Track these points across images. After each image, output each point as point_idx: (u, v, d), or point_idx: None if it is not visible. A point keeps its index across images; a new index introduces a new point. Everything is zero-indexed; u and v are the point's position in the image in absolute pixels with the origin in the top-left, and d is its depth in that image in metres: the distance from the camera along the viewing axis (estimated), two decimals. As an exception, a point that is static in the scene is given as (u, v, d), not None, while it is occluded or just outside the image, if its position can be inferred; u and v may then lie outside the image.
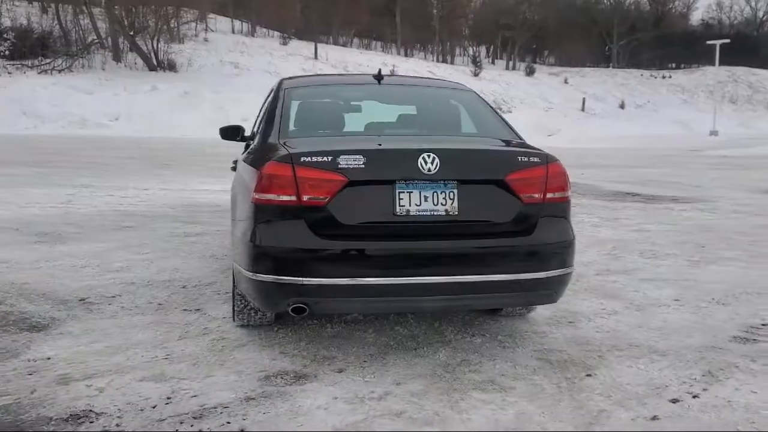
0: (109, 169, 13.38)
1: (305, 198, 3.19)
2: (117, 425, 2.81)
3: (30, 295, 4.64)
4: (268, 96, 5.05)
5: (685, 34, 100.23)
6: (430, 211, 3.25)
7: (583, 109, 50.28)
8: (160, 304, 4.50)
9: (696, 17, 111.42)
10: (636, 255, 6.31)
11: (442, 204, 3.25)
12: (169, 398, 3.07)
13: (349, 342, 3.81)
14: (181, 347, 3.71)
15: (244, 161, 3.84)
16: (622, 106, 58.45)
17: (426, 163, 3.22)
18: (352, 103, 4.37)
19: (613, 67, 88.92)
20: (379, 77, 4.36)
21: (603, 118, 51.28)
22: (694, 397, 3.15)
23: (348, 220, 3.21)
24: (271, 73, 41.91)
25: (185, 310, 4.40)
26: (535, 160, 3.40)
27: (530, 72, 69.74)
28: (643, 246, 6.75)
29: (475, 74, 62.18)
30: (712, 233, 7.58)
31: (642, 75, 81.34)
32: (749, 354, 3.70)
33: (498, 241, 3.29)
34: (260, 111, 5.53)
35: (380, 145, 3.36)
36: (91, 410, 2.93)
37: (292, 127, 3.81)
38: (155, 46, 36.61)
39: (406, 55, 71.97)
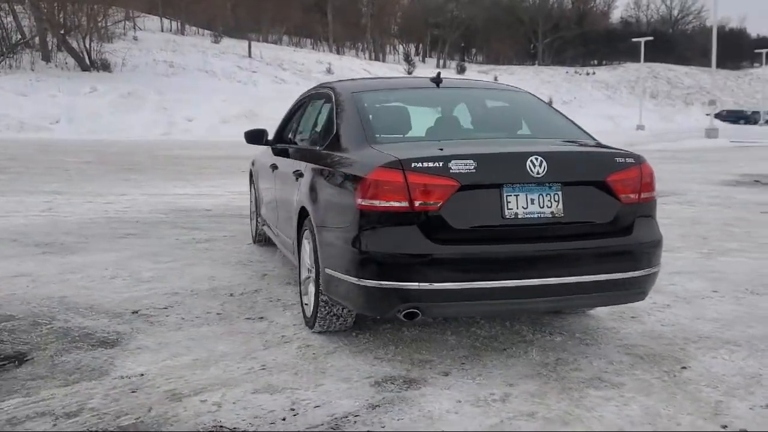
0: (72, 175, 12.92)
1: (417, 203, 3.19)
2: (260, 440, 2.76)
3: (77, 309, 4.48)
4: (309, 101, 5.02)
5: (607, 31, 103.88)
6: (537, 213, 3.30)
7: None
8: (218, 314, 4.41)
9: (616, 15, 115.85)
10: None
11: (547, 206, 3.31)
12: (293, 410, 3.03)
13: (434, 345, 3.83)
14: (272, 357, 3.65)
15: (326, 167, 3.79)
16: (549, 103, 59.74)
17: (534, 166, 3.27)
18: (421, 107, 4.38)
19: (539, 65, 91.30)
20: (437, 80, 4.39)
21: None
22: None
23: (459, 224, 3.23)
24: (208, 72, 41.23)
25: (248, 318, 4.33)
26: (631, 160, 3.50)
27: (461, 70, 70.85)
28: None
29: (409, 72, 62.63)
30: (703, 226, 7.91)
31: (567, 72, 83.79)
32: (814, 341, 3.91)
33: (601, 242, 3.37)
34: (291, 115, 5.50)
35: (486, 149, 3.40)
36: (221, 426, 2.87)
37: (377, 132, 3.78)
38: (88, 45, 35.44)
39: (338, 52, 71.94)
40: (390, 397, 3.16)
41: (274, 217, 5.29)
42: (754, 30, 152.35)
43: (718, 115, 66.80)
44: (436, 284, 3.18)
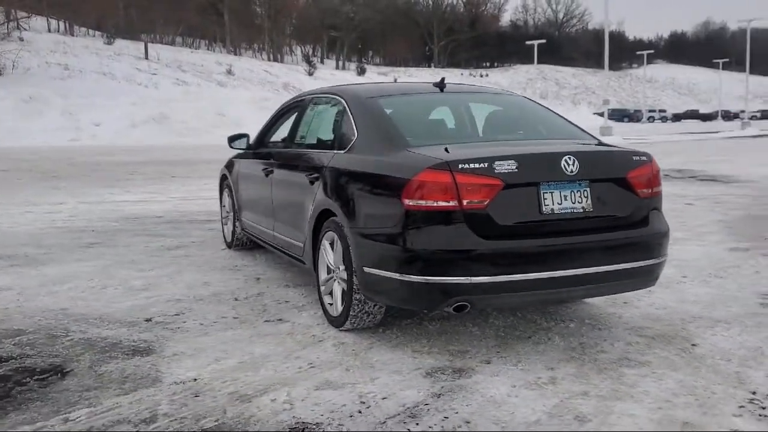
0: (-7, 184, 12.29)
1: (466, 202, 3.39)
2: (348, 432, 2.88)
3: (87, 320, 4.41)
4: (306, 107, 5.11)
5: (498, 34, 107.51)
6: (570, 208, 3.57)
7: None
8: (235, 318, 4.45)
9: (506, 19, 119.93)
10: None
11: (578, 202, 3.59)
12: (363, 402, 3.16)
13: (462, 336, 4.04)
14: (314, 355, 3.76)
15: (358, 170, 3.92)
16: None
17: (568, 165, 3.54)
18: (435, 111, 4.57)
19: (435, 67, 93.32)
20: (441, 86, 4.60)
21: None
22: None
23: (504, 221, 3.46)
24: (106, 74, 39.75)
25: (267, 321, 4.39)
26: (645, 158, 3.83)
27: (361, 71, 71.43)
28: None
29: (310, 73, 62.61)
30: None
31: (462, 74, 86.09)
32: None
33: (625, 233, 3.69)
34: (275, 121, 5.58)
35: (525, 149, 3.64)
36: (304, 422, 2.97)
37: (407, 136, 3.95)
38: (-25, 47, 33.46)
39: (236, 54, 70.87)
40: (448, 385, 3.34)
41: (268, 221, 5.34)
42: (632, 33, 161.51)
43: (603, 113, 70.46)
44: (485, 278, 3.39)
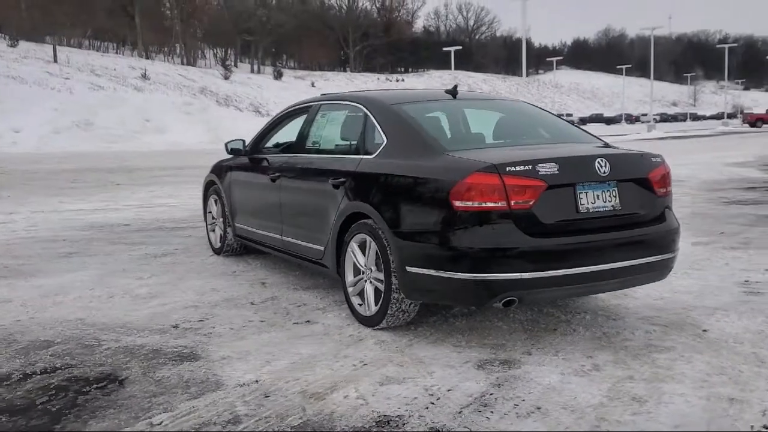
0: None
1: (513, 203, 3.61)
2: (432, 422, 3.03)
3: (113, 329, 4.39)
4: (316, 113, 5.20)
5: (412, 40, 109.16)
6: (602, 207, 3.85)
7: None
8: (262, 321, 4.52)
9: (419, 25, 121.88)
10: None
11: (609, 201, 3.87)
12: (432, 395, 3.31)
13: (493, 331, 4.25)
14: (362, 353, 3.88)
15: (396, 175, 4.07)
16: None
17: (601, 167, 3.82)
18: (456, 117, 4.77)
19: (351, 71, 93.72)
20: (454, 93, 4.81)
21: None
22: (790, 335, 4.12)
23: (547, 219, 3.69)
24: (15, 78, 37.94)
25: (297, 323, 4.48)
26: (659, 160, 4.16)
27: (278, 75, 70.91)
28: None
29: (226, 77, 61.65)
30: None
31: (378, 78, 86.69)
32: (775, 302, 4.83)
33: (647, 229, 3.99)
34: (272, 129, 5.67)
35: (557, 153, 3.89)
36: (385, 415, 3.11)
37: (441, 141, 4.14)
38: None
39: (147, 57, 69.07)
40: (502, 376, 3.54)
41: (274, 226, 5.40)
42: (537, 40, 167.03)
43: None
44: (532, 273, 3.62)
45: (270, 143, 5.90)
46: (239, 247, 6.46)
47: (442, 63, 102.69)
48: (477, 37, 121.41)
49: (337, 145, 4.93)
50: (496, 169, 3.62)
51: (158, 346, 4.06)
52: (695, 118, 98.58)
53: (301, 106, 5.57)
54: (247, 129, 36.61)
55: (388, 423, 3.03)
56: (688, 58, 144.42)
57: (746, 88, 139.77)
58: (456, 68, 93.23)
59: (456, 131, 4.55)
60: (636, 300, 4.89)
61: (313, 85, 66.83)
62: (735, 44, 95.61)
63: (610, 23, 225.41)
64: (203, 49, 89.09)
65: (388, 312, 4.12)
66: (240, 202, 6.10)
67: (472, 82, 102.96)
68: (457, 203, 3.64)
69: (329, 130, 5.12)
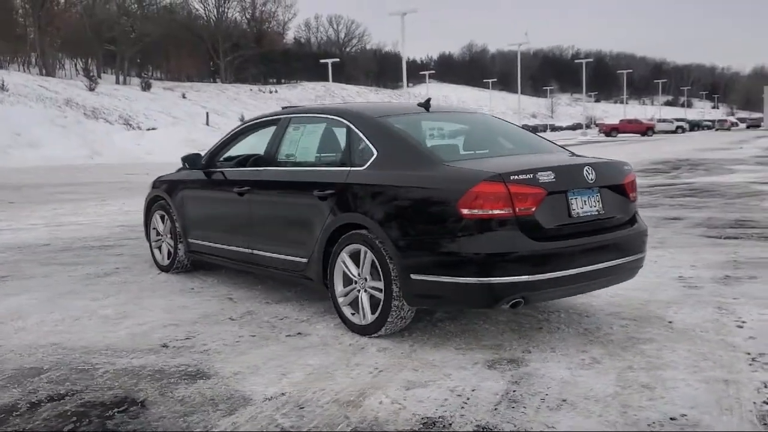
0: None
1: (518, 209, 3.84)
2: (476, 420, 3.18)
3: (98, 351, 4.24)
4: (286, 126, 5.23)
5: (283, 51, 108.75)
6: (589, 211, 4.15)
7: (207, 124, 50.09)
8: (253, 336, 4.50)
9: (291, 36, 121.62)
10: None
11: (594, 206, 4.18)
12: (459, 395, 3.45)
13: (483, 333, 4.43)
14: (372, 361, 3.97)
15: (395, 185, 4.18)
16: (242, 119, 60.62)
17: (589, 174, 4.13)
18: (434, 128, 4.93)
19: (222, 83, 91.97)
20: (426, 106, 4.99)
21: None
22: (742, 323, 4.59)
23: (547, 224, 3.95)
24: None
25: (289, 336, 4.49)
26: (629, 167, 4.52)
27: (146, 86, 68.36)
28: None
29: (91, 89, 58.84)
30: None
31: (251, 90, 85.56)
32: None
33: (627, 231, 4.35)
34: (230, 142, 5.66)
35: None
36: (427, 416, 3.22)
37: (436, 152, 4.30)
38: None
39: (1, 67, 64.73)
40: (516, 374, 3.74)
41: (241, 240, 5.35)
42: (406, 54, 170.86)
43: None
44: (537, 275, 3.85)
45: (225, 157, 5.83)
46: (189, 264, 6.32)
47: (314, 74, 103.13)
48: (348, 49, 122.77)
49: (317, 157, 4.99)
50: (501, 177, 3.83)
51: (159, 366, 3.95)
52: (554, 128, 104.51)
53: (263, 120, 5.57)
54: (124, 145, 35.19)
55: (434, 424, 3.15)
56: (545, 72, 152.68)
57: (597, 101, 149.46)
58: (326, 80, 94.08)
59: (443, 142, 4.73)
60: (597, 298, 5.25)
61: (184, 96, 65.02)
62: (591, 59, 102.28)
63: (472, 39, 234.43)
64: (62, 59, 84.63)
65: (389, 320, 4.22)
66: (195, 217, 5.98)
67: (345, 94, 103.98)
68: (465, 211, 3.82)
69: (306, 143, 5.15)
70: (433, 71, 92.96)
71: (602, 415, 3.20)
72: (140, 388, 3.61)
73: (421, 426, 3.13)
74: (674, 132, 66.28)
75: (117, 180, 18.23)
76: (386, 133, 4.49)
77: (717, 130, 78.56)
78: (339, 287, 4.54)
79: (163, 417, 3.26)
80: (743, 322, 4.59)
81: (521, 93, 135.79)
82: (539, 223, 3.91)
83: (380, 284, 4.23)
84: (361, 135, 4.56)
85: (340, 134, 4.76)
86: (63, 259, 7.27)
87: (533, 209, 3.88)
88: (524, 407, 3.31)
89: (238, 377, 3.76)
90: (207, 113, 51.71)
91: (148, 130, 41.57)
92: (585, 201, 4.15)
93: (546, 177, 3.94)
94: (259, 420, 3.21)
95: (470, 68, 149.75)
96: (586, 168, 4.15)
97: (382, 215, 4.20)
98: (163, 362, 4.02)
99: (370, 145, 4.47)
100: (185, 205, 6.07)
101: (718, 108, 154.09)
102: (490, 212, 3.81)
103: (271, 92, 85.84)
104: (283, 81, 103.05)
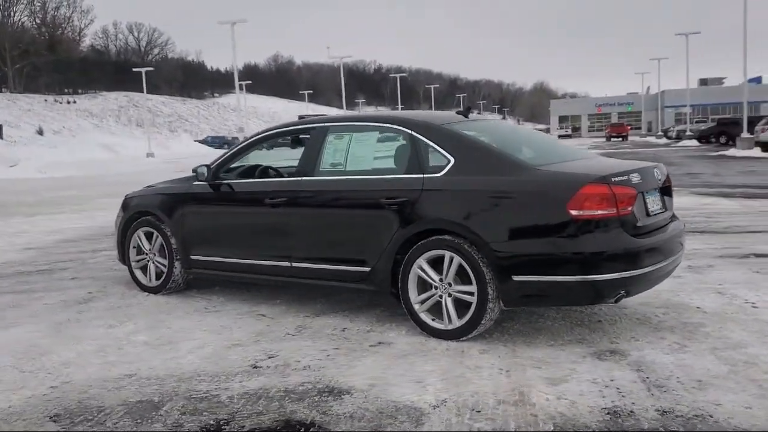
0: None
1: (620, 209, 4.13)
2: (653, 407, 3.39)
3: (193, 379, 3.94)
4: (322, 136, 5.14)
5: (80, 59, 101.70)
6: (657, 210, 4.55)
7: (1, 137, 45.59)
8: (336, 349, 4.39)
9: (88, 43, 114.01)
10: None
11: (658, 204, 4.59)
12: (607, 386, 3.65)
13: (554, 331, 4.66)
14: (487, 362, 4.05)
15: (499, 189, 4.30)
16: (41, 133, 56.09)
17: (657, 175, 4.52)
18: (489, 135, 5.03)
19: (12, 92, 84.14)
20: (466, 113, 5.13)
21: (27, 145, 48.32)
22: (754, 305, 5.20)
23: (639, 222, 4.28)
24: None
25: (373, 345, 4.44)
26: (666, 169, 4.98)
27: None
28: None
29: None
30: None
31: (47, 100, 79.31)
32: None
33: (677, 225, 4.81)
34: (239, 154, 5.51)
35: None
36: (607, 408, 3.39)
37: (524, 157, 4.49)
38: None
39: None
40: (631, 362, 3.99)
41: (278, 254, 5.14)
42: (209, 63, 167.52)
43: (204, 141, 72.10)
44: (639, 270, 4.17)
45: (231, 169, 5.60)
46: (183, 283, 5.93)
47: (114, 84, 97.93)
48: (150, 58, 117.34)
49: (374, 167, 4.92)
50: (605, 180, 4.11)
51: (282, 387, 3.78)
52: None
53: (293, 129, 5.41)
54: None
55: (619, 415, 3.32)
56: (351, 85, 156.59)
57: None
58: (129, 90, 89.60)
59: (514, 148, 4.87)
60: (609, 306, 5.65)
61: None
62: (405, 74, 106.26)
63: (278, 50, 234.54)
64: None
65: (482, 321, 4.31)
66: (202, 233, 5.63)
67: (151, 104, 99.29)
68: (574, 212, 4.04)
69: (358, 152, 5.03)
70: (249, 81, 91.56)
71: (746, 390, 3.55)
72: (293, 410, 3.44)
73: (609, 417, 3.29)
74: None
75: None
76: (459, 140, 4.59)
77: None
78: (413, 294, 4.55)
79: (355, 434, 3.14)
80: (753, 303, 5.19)
81: (330, 105, 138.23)
82: (635, 221, 4.22)
83: (470, 288, 4.31)
84: (428, 142, 4.61)
85: (401, 142, 4.76)
86: (29, 284, 6.47)
87: (630, 208, 4.19)
88: (674, 390, 3.58)
89: (377, 389, 3.68)
90: (1, 126, 46.88)
91: None
92: (653, 200, 4.54)
93: (636, 179, 4.29)
94: (456, 426, 3.20)
95: (277, 79, 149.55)
96: (654, 170, 4.54)
97: (473, 219, 4.29)
98: (280, 382, 3.83)
99: (444, 152, 4.54)
100: (187, 221, 5.69)
101: (506, 119, 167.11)
102: (598, 212, 4.06)
103: (69, 102, 79.96)
104: (80, 91, 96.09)
